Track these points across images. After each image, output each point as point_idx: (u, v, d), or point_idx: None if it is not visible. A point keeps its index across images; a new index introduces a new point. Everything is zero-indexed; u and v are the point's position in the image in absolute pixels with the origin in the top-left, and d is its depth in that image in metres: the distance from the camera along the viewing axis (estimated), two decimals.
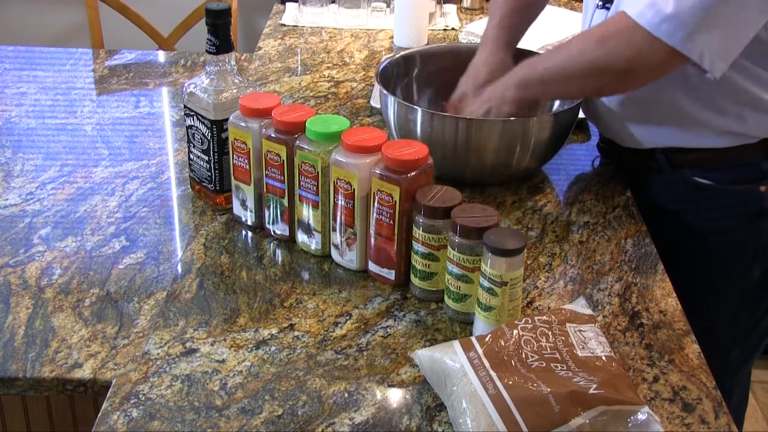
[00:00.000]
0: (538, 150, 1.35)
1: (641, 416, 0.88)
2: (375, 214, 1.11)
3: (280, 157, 1.16)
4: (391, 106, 1.37)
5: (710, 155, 1.30)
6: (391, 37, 2.04)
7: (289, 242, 1.23)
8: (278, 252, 1.22)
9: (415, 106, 1.33)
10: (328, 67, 1.86)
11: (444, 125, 1.32)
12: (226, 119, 1.21)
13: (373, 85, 1.75)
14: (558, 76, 1.28)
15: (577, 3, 2.16)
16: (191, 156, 1.31)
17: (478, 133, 1.31)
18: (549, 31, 2.01)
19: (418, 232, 1.07)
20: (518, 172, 1.39)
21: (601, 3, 1.33)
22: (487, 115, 1.33)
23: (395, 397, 0.96)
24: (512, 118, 1.32)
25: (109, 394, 0.95)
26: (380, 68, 1.46)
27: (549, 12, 2.17)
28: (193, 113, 1.26)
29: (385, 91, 1.38)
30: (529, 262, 1.20)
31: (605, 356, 0.94)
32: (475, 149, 1.32)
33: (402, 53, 1.55)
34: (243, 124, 1.18)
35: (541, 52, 1.62)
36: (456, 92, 1.43)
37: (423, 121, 1.33)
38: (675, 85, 1.24)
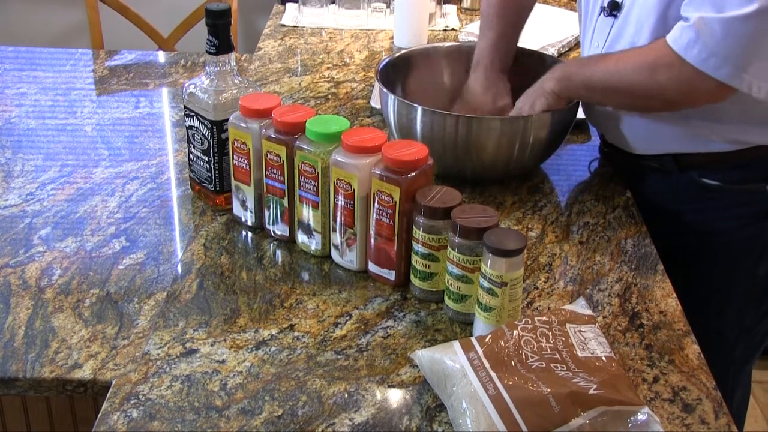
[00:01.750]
0: (538, 148, 1.36)
1: (641, 417, 0.88)
2: (375, 215, 1.11)
3: (280, 158, 1.16)
4: (392, 104, 1.38)
5: (718, 157, 1.30)
6: (391, 38, 2.04)
7: (289, 243, 1.23)
8: (278, 252, 1.22)
9: (416, 104, 1.33)
10: (328, 68, 1.86)
11: (444, 123, 1.32)
12: (226, 120, 1.21)
13: (373, 86, 1.75)
14: (601, 87, 1.28)
15: (573, 2, 2.16)
16: (191, 156, 1.31)
17: (477, 130, 1.32)
18: (549, 32, 2.02)
19: (418, 233, 1.07)
20: (518, 170, 1.40)
21: (607, 10, 1.32)
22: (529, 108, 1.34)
23: (395, 397, 0.96)
24: (510, 116, 1.32)
25: (109, 394, 0.95)
26: (380, 67, 1.46)
27: (549, 12, 2.18)
28: (193, 114, 1.26)
29: (385, 90, 1.39)
30: (529, 262, 1.20)
31: (605, 357, 0.94)
32: (475, 147, 1.33)
33: (402, 52, 1.56)
34: (243, 125, 1.18)
35: (540, 51, 1.62)
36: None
37: (423, 119, 1.33)
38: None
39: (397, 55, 1.54)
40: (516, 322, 0.97)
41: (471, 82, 1.48)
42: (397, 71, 1.52)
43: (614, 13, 1.30)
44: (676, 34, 1.15)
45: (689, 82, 1.16)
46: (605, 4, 1.31)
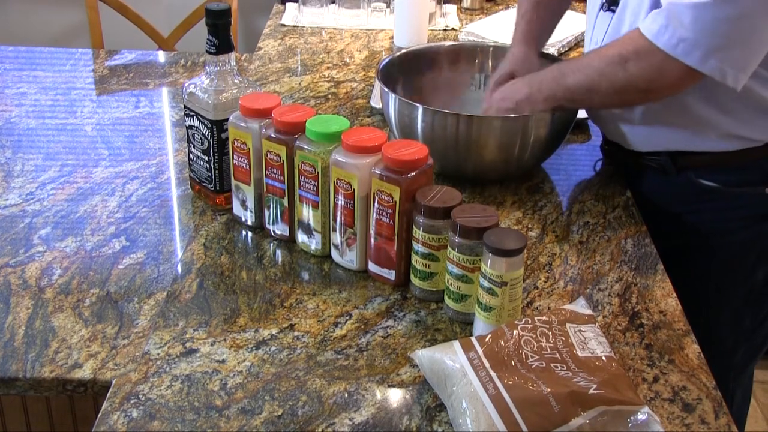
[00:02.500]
0: (538, 147, 1.36)
1: (641, 416, 0.88)
2: (375, 215, 1.11)
3: (280, 158, 1.16)
4: (392, 103, 1.38)
5: (716, 158, 1.30)
6: (391, 38, 2.04)
7: (289, 242, 1.23)
8: (278, 252, 1.22)
9: (416, 104, 1.33)
10: (328, 68, 1.86)
11: (445, 122, 1.32)
12: (226, 119, 1.21)
13: (373, 86, 1.75)
14: (583, 94, 1.28)
15: (578, 3, 2.16)
16: (191, 156, 1.31)
17: (478, 129, 1.32)
18: None
19: (418, 232, 1.07)
20: (518, 169, 1.40)
21: (606, 5, 1.33)
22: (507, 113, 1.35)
23: (395, 397, 0.96)
24: (511, 116, 1.32)
25: (109, 394, 0.95)
26: (381, 66, 1.46)
27: None
28: (193, 113, 1.26)
29: (386, 89, 1.39)
30: (529, 262, 1.20)
31: (605, 356, 0.94)
32: (475, 146, 1.33)
33: (402, 51, 1.56)
34: (243, 125, 1.18)
35: (553, 51, 1.62)
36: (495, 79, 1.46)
37: (424, 118, 1.33)
38: (687, 89, 1.24)
39: (397, 54, 1.54)
40: (516, 322, 0.97)
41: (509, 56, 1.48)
42: (398, 70, 1.52)
43: (612, 8, 1.32)
44: (648, 21, 1.16)
45: (660, 69, 1.16)
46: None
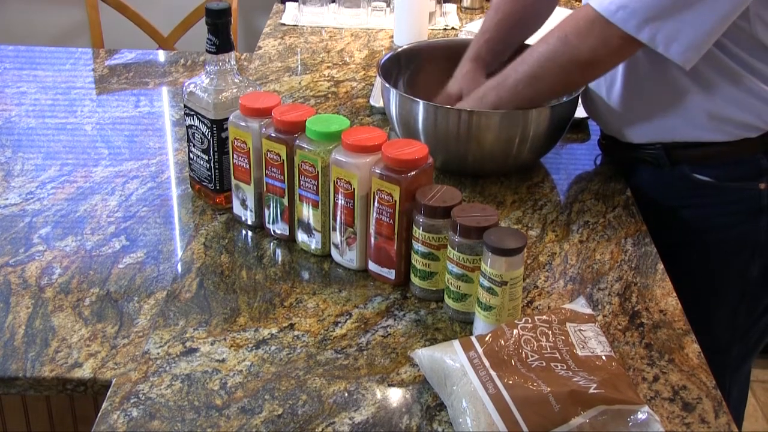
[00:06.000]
0: (537, 142, 1.37)
1: (641, 416, 0.88)
2: (375, 214, 1.11)
3: (280, 157, 1.16)
4: (393, 99, 1.38)
5: (710, 151, 1.30)
6: (391, 37, 2.04)
7: (289, 242, 1.23)
8: (278, 251, 1.22)
9: (417, 99, 1.34)
10: (328, 67, 1.86)
11: (446, 118, 1.33)
12: (226, 119, 1.21)
13: (373, 85, 1.75)
14: (528, 86, 1.30)
15: (577, 3, 2.16)
16: (191, 155, 1.31)
17: (478, 124, 1.32)
18: (548, 30, 2.01)
19: (418, 232, 1.07)
20: (518, 163, 1.41)
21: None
22: None
23: (395, 396, 0.96)
24: (512, 110, 1.33)
25: (109, 393, 0.95)
26: (381, 62, 1.47)
27: None
28: (193, 113, 1.26)
29: (387, 84, 1.39)
30: (529, 261, 1.20)
31: (605, 356, 0.94)
32: (475, 141, 1.34)
33: (403, 47, 1.56)
34: (243, 124, 1.18)
35: None
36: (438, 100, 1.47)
37: (425, 113, 1.34)
38: (680, 72, 1.24)
39: (398, 50, 1.54)
40: (516, 321, 0.97)
41: (456, 70, 1.49)
42: (398, 67, 1.53)
43: None
44: None
45: (601, 36, 1.20)
46: None
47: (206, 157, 1.27)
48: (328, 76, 1.80)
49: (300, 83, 1.76)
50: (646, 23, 1.16)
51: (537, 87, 1.30)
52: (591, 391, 0.87)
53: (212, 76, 1.24)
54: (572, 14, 1.25)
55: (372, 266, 1.15)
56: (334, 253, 1.18)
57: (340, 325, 1.06)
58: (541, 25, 1.53)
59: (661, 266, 1.20)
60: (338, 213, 1.14)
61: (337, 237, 1.16)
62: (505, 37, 1.49)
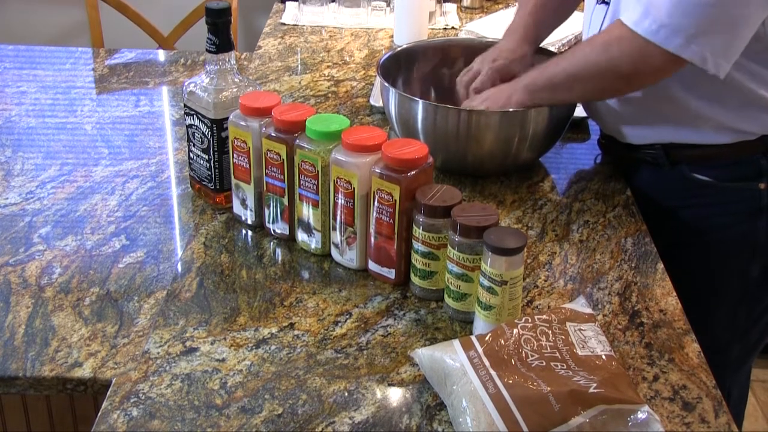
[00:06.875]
0: (536, 141, 1.37)
1: (641, 415, 0.88)
2: (375, 213, 1.11)
3: (280, 156, 1.16)
4: (393, 98, 1.38)
5: (709, 152, 1.30)
6: (391, 36, 2.04)
7: (289, 241, 1.23)
8: (278, 251, 1.22)
9: (416, 98, 1.34)
10: (328, 66, 1.86)
11: (446, 117, 1.33)
12: (226, 118, 1.21)
13: (373, 84, 1.75)
14: (564, 80, 1.29)
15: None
16: (191, 155, 1.31)
17: (477, 124, 1.33)
18: None
19: (418, 231, 1.07)
20: (517, 163, 1.41)
21: None
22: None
23: (395, 396, 0.96)
24: (510, 110, 1.33)
25: (109, 393, 0.95)
26: (381, 61, 1.47)
27: None
28: (193, 112, 1.26)
29: (386, 84, 1.39)
30: (529, 261, 1.20)
31: (605, 355, 0.94)
32: (475, 140, 1.34)
33: (402, 47, 1.56)
34: (243, 123, 1.18)
35: (553, 50, 1.63)
36: (470, 69, 1.45)
37: (424, 113, 1.34)
38: (676, 80, 1.24)
39: (398, 50, 1.54)
40: (516, 321, 0.97)
41: (500, 42, 1.48)
42: (398, 66, 1.53)
43: (606, 1, 1.32)
44: (629, 10, 1.18)
45: (642, 55, 1.17)
46: None
47: (206, 157, 1.27)
48: (328, 76, 1.80)
49: (300, 83, 1.76)
50: (692, 40, 1.13)
51: (572, 85, 1.29)
52: (591, 390, 0.87)
53: (212, 75, 1.24)
54: (616, 24, 1.21)
55: (372, 266, 1.15)
56: (334, 252, 1.18)
57: (340, 324, 1.06)
58: (575, 7, 1.52)
59: (661, 266, 1.20)
60: (338, 212, 1.14)
61: (337, 236, 1.16)
62: (549, 17, 1.48)
